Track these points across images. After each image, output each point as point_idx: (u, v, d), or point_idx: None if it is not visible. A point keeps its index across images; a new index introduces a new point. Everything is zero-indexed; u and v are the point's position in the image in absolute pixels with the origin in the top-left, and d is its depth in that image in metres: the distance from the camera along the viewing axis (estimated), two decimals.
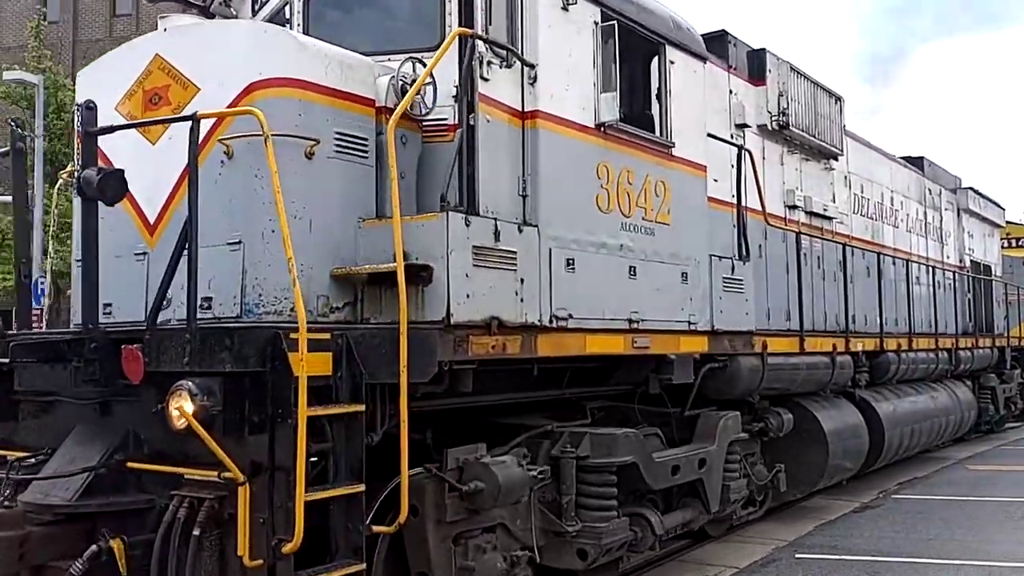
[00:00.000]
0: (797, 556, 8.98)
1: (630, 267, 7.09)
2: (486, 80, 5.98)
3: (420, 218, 5.63)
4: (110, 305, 5.86)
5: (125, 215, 6.03)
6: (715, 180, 8.95)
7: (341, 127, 5.77)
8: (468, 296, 5.54)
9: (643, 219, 7.29)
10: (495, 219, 5.83)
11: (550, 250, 6.28)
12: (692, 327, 7.81)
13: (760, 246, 10.43)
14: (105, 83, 6.25)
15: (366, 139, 5.92)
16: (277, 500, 4.75)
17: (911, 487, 13.23)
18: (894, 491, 12.81)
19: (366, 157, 5.92)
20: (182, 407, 4.63)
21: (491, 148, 5.99)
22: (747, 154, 9.26)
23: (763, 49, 10.89)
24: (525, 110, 6.32)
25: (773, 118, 10.83)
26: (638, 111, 7.93)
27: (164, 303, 5.28)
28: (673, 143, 7.66)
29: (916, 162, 16.75)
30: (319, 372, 5.04)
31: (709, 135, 8.45)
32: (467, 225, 5.58)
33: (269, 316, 5.33)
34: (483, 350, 5.69)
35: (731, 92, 10.25)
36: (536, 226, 6.20)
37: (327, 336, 5.10)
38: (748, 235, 9.97)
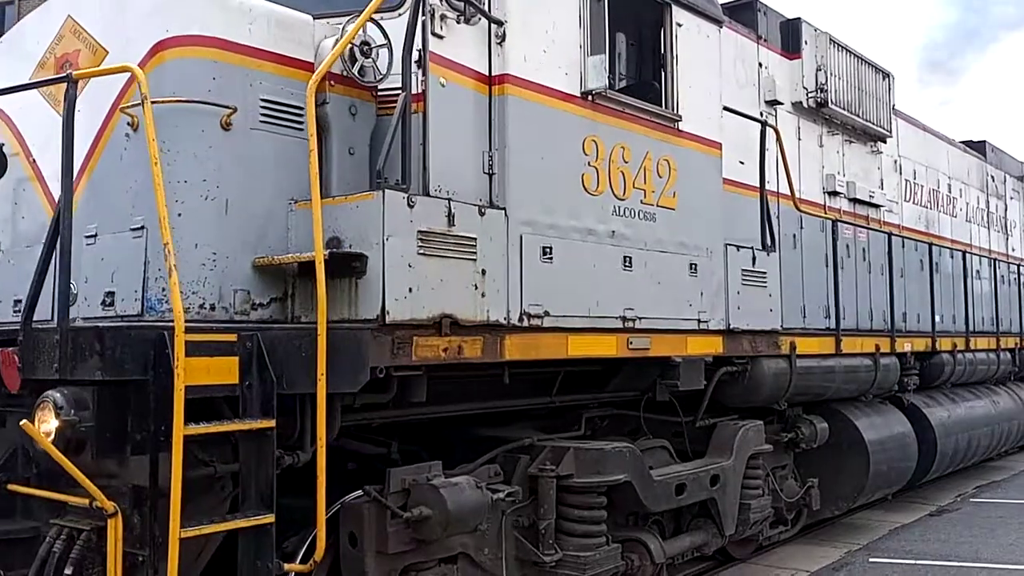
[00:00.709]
0: (871, 560, 8.40)
1: (624, 257, 6.17)
2: (439, 37, 5.12)
3: (354, 198, 4.80)
4: (20, 301, 5.14)
5: (37, 199, 5.32)
6: (741, 163, 8.00)
7: (270, 94, 4.96)
8: (411, 290, 4.69)
9: (642, 202, 6.36)
10: (448, 199, 4.97)
11: (521, 236, 5.40)
12: (703, 326, 6.86)
13: (794, 236, 9.43)
14: (24, 50, 5.55)
15: (301, 108, 5.11)
16: (159, 534, 3.97)
17: (990, 490, 12.33)
18: (972, 495, 11.98)
19: (302, 129, 5.10)
20: (42, 423, 3.87)
21: (446, 117, 5.13)
22: (772, 132, 8.25)
23: (798, 19, 9.85)
24: (493, 74, 5.45)
25: (809, 95, 9.79)
26: (646, 81, 7.02)
27: (68, 299, 4.52)
28: (679, 116, 6.71)
29: (977, 147, 15.45)
30: (222, 380, 4.25)
31: (728, 110, 7.48)
32: (410, 206, 4.73)
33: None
34: (432, 353, 4.84)
35: (761, 65, 9.25)
36: (504, 209, 5.33)
37: (232, 338, 4.31)
38: (779, 223, 9.05)
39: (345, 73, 5.26)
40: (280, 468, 4.41)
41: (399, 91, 5.01)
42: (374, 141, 5.39)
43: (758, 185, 7.95)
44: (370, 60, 5.29)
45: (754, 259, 7.52)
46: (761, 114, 9.05)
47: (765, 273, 7.65)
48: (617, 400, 7.08)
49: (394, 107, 5.07)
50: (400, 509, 4.95)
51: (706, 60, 7.11)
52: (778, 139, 8.33)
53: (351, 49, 5.23)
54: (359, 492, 4.98)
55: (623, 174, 6.21)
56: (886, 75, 11.18)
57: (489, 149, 5.38)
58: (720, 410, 7.88)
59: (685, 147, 6.82)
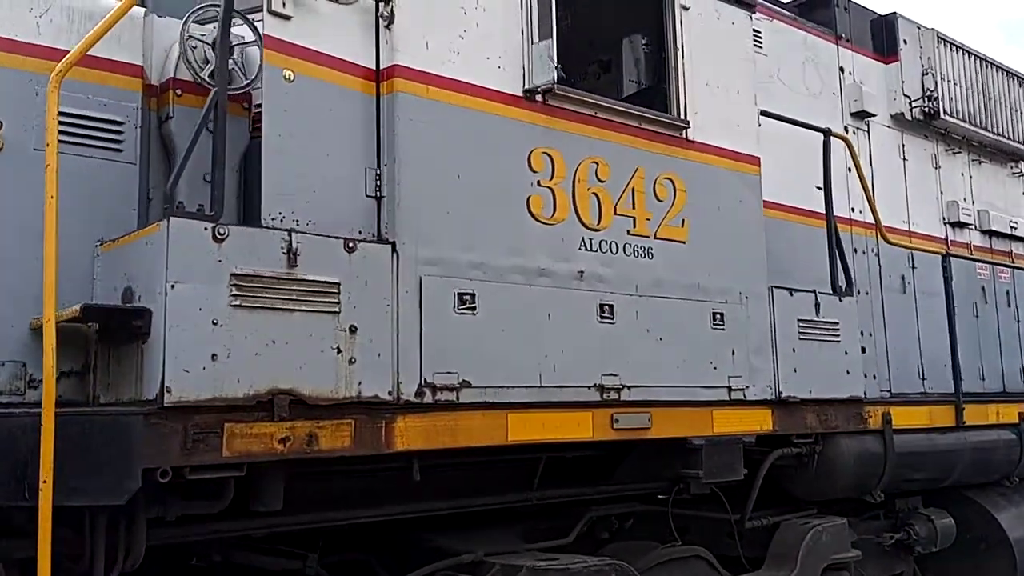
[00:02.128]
0: None
1: (602, 306, 4.63)
2: (282, 17, 3.83)
3: (143, 232, 3.53)
4: None
5: None
6: (818, 188, 6.29)
7: (71, 105, 3.80)
8: (216, 357, 3.34)
9: (630, 233, 4.81)
10: (290, 231, 3.62)
11: (421, 280, 3.98)
12: (736, 395, 5.17)
13: (902, 277, 7.56)
14: None
15: (121, 123, 3.93)
16: None
17: None
18: None
19: (120, 149, 3.92)
20: None
21: (296, 121, 3.82)
22: (843, 144, 6.49)
23: (893, 14, 8.05)
24: (381, 67, 4.11)
25: (914, 104, 7.92)
26: (657, 86, 5.53)
27: None
28: (686, 122, 5.15)
29: None
30: None
31: (771, 115, 5.85)
32: (217, 240, 3.41)
33: None
34: (261, 446, 3.45)
35: (842, 70, 7.52)
36: (392, 243, 3.93)
37: None
38: (877, 261, 7.25)
39: (196, 80, 4.07)
40: None
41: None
42: (247, 164, 4.17)
43: (844, 215, 6.18)
44: (232, 62, 4.09)
45: (818, 306, 5.76)
46: (846, 129, 7.32)
47: (837, 324, 5.86)
48: (642, 493, 5.43)
49: None
50: None
51: (731, 53, 5.52)
52: (850, 151, 6.55)
53: (198, 49, 4.05)
54: None
55: (597, 196, 4.70)
56: (1022, 80, 9.11)
57: (376, 165, 4.02)
58: (792, 501, 6.09)
59: (700, 162, 5.23)
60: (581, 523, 5.15)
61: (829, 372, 5.77)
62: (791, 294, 5.63)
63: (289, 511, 3.91)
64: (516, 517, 5.11)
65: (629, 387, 4.67)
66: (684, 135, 5.17)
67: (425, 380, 3.92)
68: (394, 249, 3.91)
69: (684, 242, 5.07)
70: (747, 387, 5.24)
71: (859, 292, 6.61)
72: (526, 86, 4.47)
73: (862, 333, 6.36)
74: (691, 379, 4.98)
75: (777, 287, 5.56)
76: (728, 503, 5.57)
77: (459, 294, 4.08)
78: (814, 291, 5.79)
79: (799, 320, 5.63)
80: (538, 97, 4.52)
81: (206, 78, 4.05)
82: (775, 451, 5.61)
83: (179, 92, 4.09)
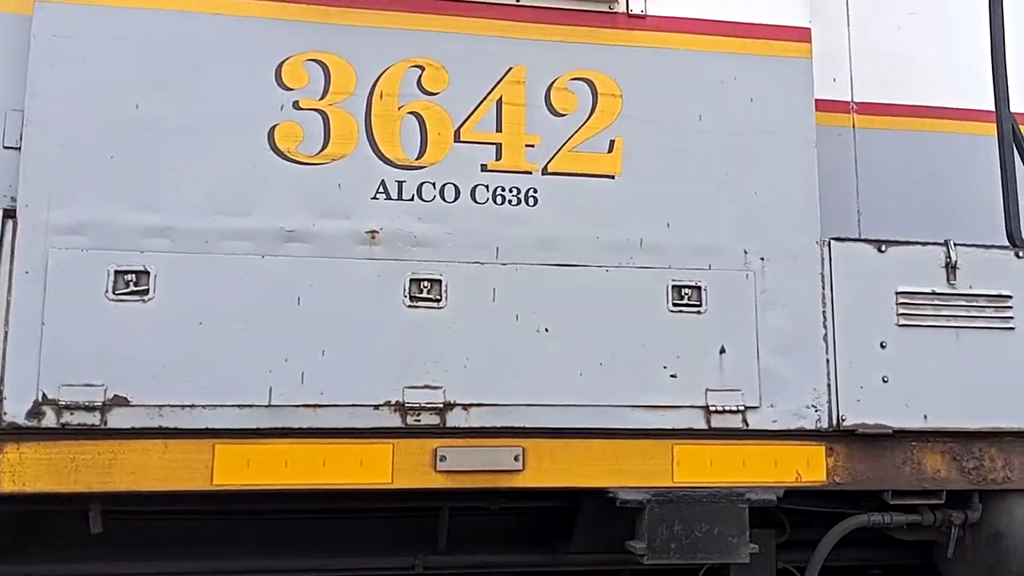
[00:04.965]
0: None
1: (415, 281, 3.01)
2: None
3: None
4: None
5: None
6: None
7: None
8: None
9: (486, 169, 3.11)
10: None
11: (48, 254, 2.83)
12: (723, 420, 3.11)
13: None
14: None
15: None
16: None
17: None
18: None
19: None
20: None
21: None
22: None
23: None
24: None
25: None
26: None
27: None
28: None
29: None
30: None
31: None
32: None
33: None
34: None
35: None
36: (7, 209, 2.85)
37: None
38: None
39: None
40: None
41: None
42: None
43: (996, 105, 3.62)
44: None
45: (951, 268, 3.34)
46: None
47: (1005, 300, 3.36)
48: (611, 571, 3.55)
49: None
50: None
51: None
52: None
53: None
54: None
55: (420, 117, 3.10)
56: None
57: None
58: None
59: (655, 47, 3.28)
60: None
61: (982, 383, 3.31)
62: (880, 249, 3.32)
63: None
64: None
65: (468, 405, 2.98)
66: (616, 7, 3.28)
67: (44, 395, 2.76)
68: (8, 216, 2.83)
69: (613, 176, 3.19)
70: (751, 407, 3.14)
71: None
72: None
73: None
74: (617, 394, 3.07)
75: (844, 239, 3.31)
76: None
77: (119, 272, 2.85)
78: (945, 243, 3.37)
79: (901, 293, 3.29)
80: None
81: None
82: (851, 519, 3.32)
83: None
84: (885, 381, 3.24)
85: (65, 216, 2.86)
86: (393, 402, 2.94)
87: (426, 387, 2.97)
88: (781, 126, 3.32)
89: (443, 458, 2.97)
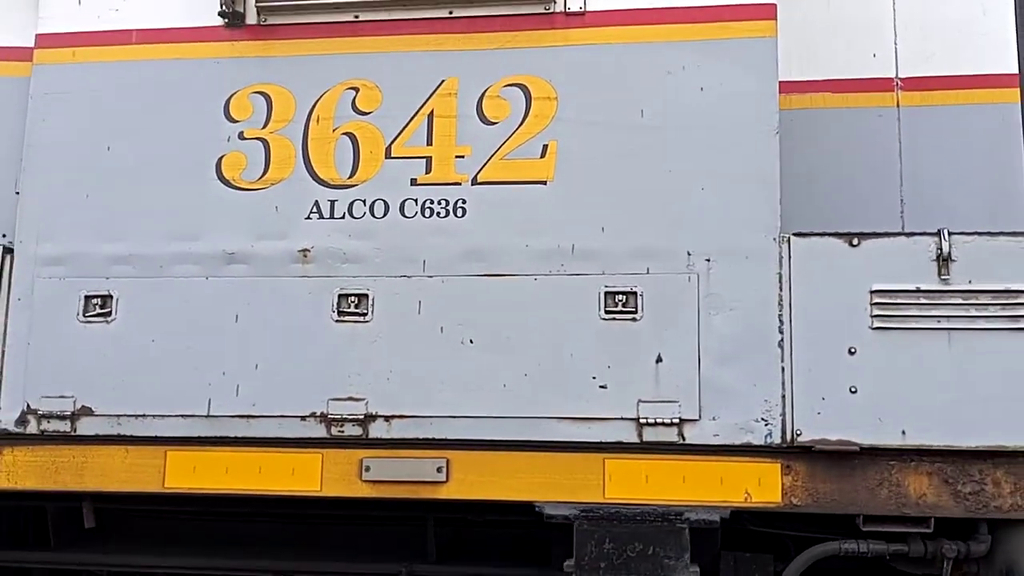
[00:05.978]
0: None
1: (344, 297, 3.12)
2: None
3: None
4: None
5: None
6: None
7: None
8: None
9: (416, 183, 3.15)
10: None
11: (34, 283, 3.26)
12: (655, 433, 2.94)
13: None
14: None
15: None
16: None
17: None
18: None
19: None
20: None
21: None
22: None
23: None
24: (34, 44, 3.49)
25: None
26: None
27: None
28: None
29: None
30: None
31: None
32: None
33: None
34: None
35: None
36: (5, 245, 3.32)
37: None
38: None
39: None
40: None
41: None
42: None
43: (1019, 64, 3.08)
44: None
45: (944, 261, 2.90)
46: None
47: (1017, 295, 2.87)
48: None
49: None
50: None
51: None
52: None
53: None
54: None
55: (354, 137, 3.21)
56: None
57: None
58: None
59: (595, 44, 3.15)
60: None
61: (981, 394, 2.85)
62: (853, 243, 2.96)
63: None
64: None
65: (389, 417, 3.05)
66: (553, 7, 3.18)
67: (28, 405, 3.20)
68: (6, 251, 3.30)
69: (545, 182, 3.11)
70: (689, 420, 2.93)
71: None
72: (223, 8, 3.31)
73: None
74: (542, 405, 3.00)
75: (807, 234, 2.99)
76: None
77: (87, 297, 3.22)
78: (938, 232, 2.93)
79: (877, 292, 2.92)
80: (248, 20, 3.31)
81: None
82: (817, 547, 2.97)
83: None
84: (853, 392, 2.88)
85: (49, 249, 3.28)
86: (318, 413, 3.08)
87: (349, 399, 3.07)
88: (736, 115, 3.06)
89: (368, 468, 3.07)
